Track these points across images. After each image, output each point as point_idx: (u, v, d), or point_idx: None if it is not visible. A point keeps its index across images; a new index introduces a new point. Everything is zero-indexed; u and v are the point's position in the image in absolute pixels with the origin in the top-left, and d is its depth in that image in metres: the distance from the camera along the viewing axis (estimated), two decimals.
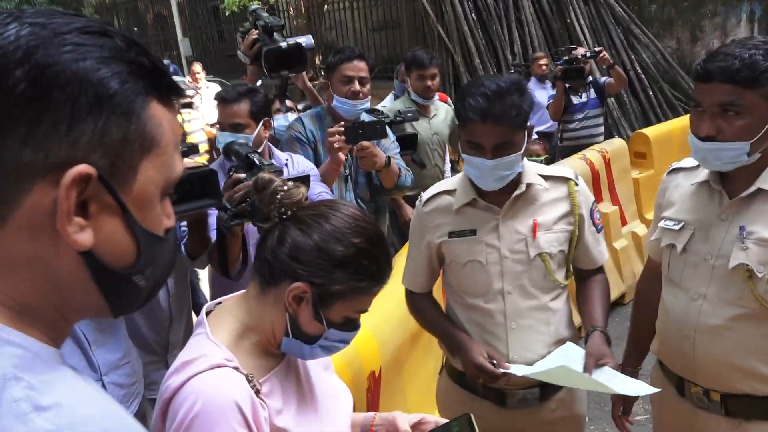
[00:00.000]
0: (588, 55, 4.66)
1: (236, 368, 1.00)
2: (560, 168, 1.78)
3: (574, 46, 4.86)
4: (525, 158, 1.64)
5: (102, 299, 0.61)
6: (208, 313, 1.13)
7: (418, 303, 1.82)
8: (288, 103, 3.63)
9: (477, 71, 7.54)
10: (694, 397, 1.58)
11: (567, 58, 4.57)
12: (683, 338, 1.55)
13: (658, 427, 1.80)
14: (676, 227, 1.57)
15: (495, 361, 1.60)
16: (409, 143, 2.95)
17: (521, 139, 1.57)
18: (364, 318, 1.14)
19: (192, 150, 1.77)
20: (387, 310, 2.05)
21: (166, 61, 10.23)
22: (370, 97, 2.59)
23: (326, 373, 1.25)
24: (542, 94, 5.19)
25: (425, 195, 1.76)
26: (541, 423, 1.72)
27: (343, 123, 2.38)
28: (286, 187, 1.08)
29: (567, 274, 1.75)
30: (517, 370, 1.57)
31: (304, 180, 1.63)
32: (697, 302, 1.51)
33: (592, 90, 4.67)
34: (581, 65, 4.49)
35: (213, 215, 2.03)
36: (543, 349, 1.68)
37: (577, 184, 1.70)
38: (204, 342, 1.04)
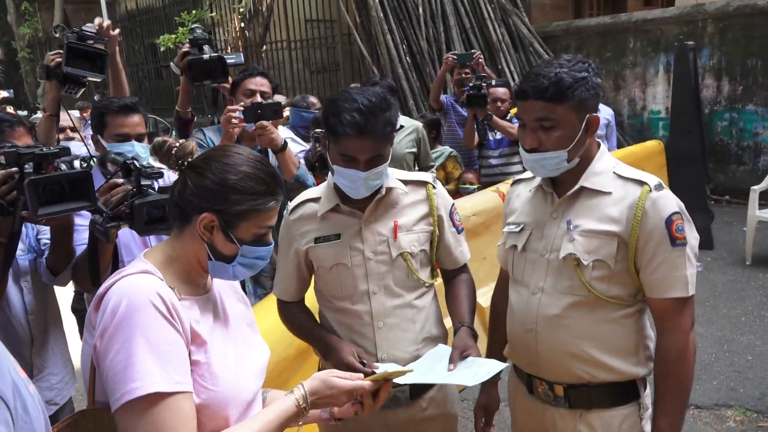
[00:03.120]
0: (494, 83, 4.63)
1: (160, 279, 1.17)
2: (418, 173, 1.88)
3: (484, 74, 4.82)
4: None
5: None
6: None
7: (289, 311, 1.83)
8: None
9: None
10: (541, 393, 1.67)
11: (472, 84, 4.47)
12: (527, 332, 1.65)
13: (514, 428, 1.87)
14: (517, 229, 1.72)
15: (365, 361, 1.59)
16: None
17: (389, 150, 1.67)
18: None
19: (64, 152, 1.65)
20: (268, 325, 1.97)
21: (96, 97, 9.97)
22: None
23: (248, 328, 1.38)
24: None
25: (291, 204, 1.84)
26: (412, 422, 1.76)
27: (242, 102, 2.54)
28: (178, 143, 1.24)
29: (432, 274, 1.83)
30: (387, 368, 1.54)
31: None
32: (537, 296, 1.63)
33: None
34: (483, 92, 4.37)
35: (80, 230, 1.91)
36: (410, 346, 1.71)
37: (434, 188, 1.81)
38: (135, 262, 1.22)
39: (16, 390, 0.65)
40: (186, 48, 2.61)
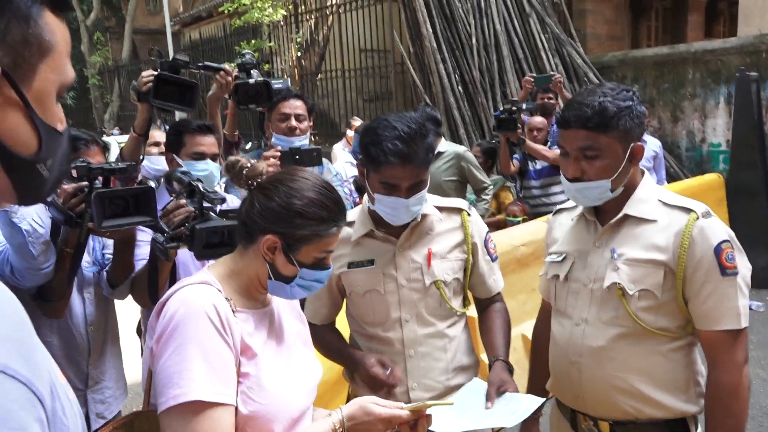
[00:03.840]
0: (525, 106, 4.48)
1: (219, 290, 1.22)
2: (453, 200, 1.88)
3: (516, 99, 4.71)
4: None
5: (9, 184, 0.69)
6: None
7: (320, 333, 1.82)
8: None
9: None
10: (585, 429, 1.63)
11: (503, 107, 4.38)
12: (570, 364, 1.61)
13: None
14: (559, 259, 1.69)
15: (389, 365, 1.62)
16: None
17: (428, 176, 1.69)
18: None
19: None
20: None
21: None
22: (308, 133, 2.64)
23: (304, 346, 1.40)
24: None
25: None
26: None
27: (279, 147, 2.48)
28: (249, 164, 1.30)
29: (464, 302, 1.82)
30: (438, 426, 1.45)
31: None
32: (580, 327, 1.60)
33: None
34: (514, 116, 4.25)
35: (142, 245, 1.98)
36: (441, 375, 1.71)
37: (469, 215, 1.80)
38: (198, 273, 1.28)
39: (54, 392, 0.65)
40: (235, 73, 2.61)
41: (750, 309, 5.29)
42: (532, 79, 4.99)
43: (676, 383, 1.54)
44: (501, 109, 4.45)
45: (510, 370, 1.67)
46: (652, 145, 5.81)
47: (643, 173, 1.62)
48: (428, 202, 1.75)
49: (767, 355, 4.37)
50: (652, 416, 1.53)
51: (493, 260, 1.85)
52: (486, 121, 7.94)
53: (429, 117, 4.00)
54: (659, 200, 1.57)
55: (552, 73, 4.97)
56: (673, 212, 1.53)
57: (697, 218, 1.49)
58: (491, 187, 4.47)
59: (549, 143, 4.56)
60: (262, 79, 2.56)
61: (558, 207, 1.85)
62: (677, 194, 1.60)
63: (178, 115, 3.57)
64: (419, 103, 8.27)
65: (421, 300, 1.71)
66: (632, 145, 1.52)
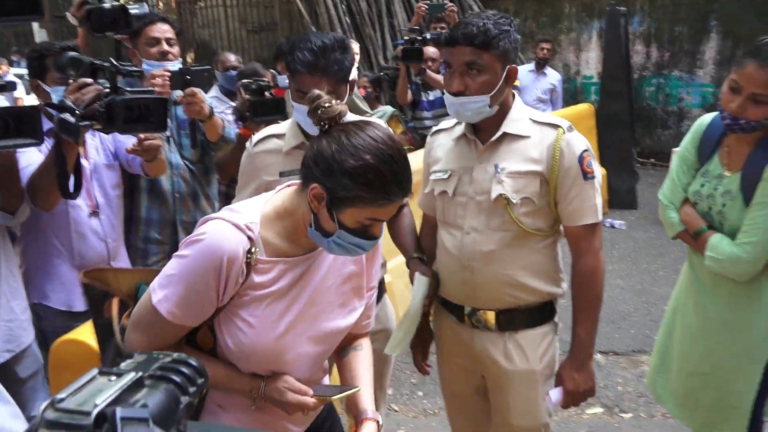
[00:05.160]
0: (429, 36, 4.50)
1: (250, 238, 1.22)
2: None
3: (418, 27, 4.61)
4: None
5: None
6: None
7: None
8: None
9: None
10: (472, 320, 1.83)
11: (407, 38, 4.41)
12: (464, 268, 1.79)
13: (442, 358, 2.01)
14: (445, 176, 1.82)
15: None
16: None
17: (343, 92, 1.78)
18: None
19: (9, 87, 1.67)
20: None
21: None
22: (180, 59, 2.52)
23: (349, 291, 1.39)
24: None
25: (255, 137, 1.94)
26: None
27: (169, 67, 2.37)
28: (327, 104, 1.21)
29: None
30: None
31: None
32: (471, 235, 1.77)
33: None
34: (419, 46, 4.29)
35: (25, 152, 1.88)
36: None
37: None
38: (257, 203, 1.30)
39: None
40: None
41: (614, 227, 5.78)
42: (425, 7, 4.94)
43: (548, 273, 1.80)
44: (404, 39, 4.43)
45: (423, 261, 1.89)
46: (551, 78, 6.03)
47: (514, 96, 1.80)
48: (350, 117, 1.82)
49: (626, 267, 4.86)
50: (529, 302, 1.79)
51: None
52: (374, 53, 7.89)
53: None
54: (530, 119, 1.76)
55: (445, 1, 4.89)
56: (544, 128, 1.74)
57: (564, 132, 1.72)
58: (374, 117, 4.49)
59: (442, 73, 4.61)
60: (118, 3, 2.36)
61: (435, 128, 1.97)
62: (544, 113, 1.79)
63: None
64: (305, 34, 8.03)
65: None
66: (508, 66, 1.69)
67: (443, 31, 4.82)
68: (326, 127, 1.22)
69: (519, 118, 1.76)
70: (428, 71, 4.52)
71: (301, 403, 1.29)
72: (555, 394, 1.80)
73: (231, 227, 1.21)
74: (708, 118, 2.04)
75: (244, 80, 2.71)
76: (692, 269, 2.09)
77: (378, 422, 1.38)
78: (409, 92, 4.66)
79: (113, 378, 0.55)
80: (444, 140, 1.89)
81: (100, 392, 0.53)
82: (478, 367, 1.88)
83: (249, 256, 1.21)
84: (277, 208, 1.28)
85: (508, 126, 1.74)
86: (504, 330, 1.80)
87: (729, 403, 1.96)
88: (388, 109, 4.93)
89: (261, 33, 9.53)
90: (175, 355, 0.64)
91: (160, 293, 1.20)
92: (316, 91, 1.24)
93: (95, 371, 0.56)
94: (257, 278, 1.24)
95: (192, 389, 0.61)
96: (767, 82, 1.73)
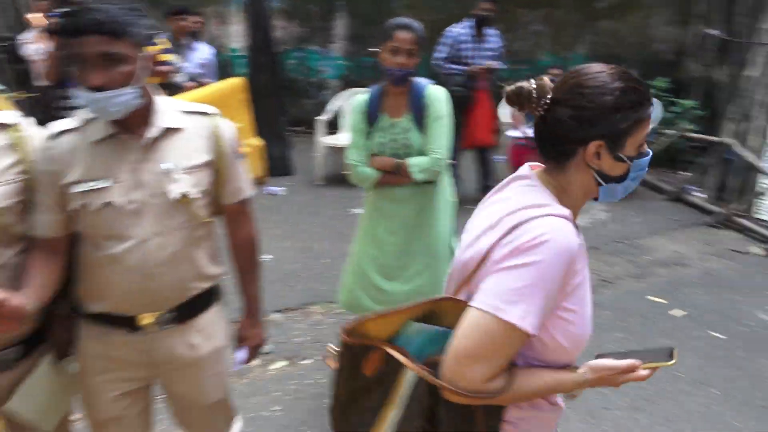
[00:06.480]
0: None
1: (576, 227, 1.21)
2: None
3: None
4: None
5: None
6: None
7: None
8: None
9: None
10: (152, 325, 1.70)
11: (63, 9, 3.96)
12: (144, 277, 1.64)
13: (96, 386, 1.76)
14: (103, 184, 1.59)
15: None
16: None
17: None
18: None
19: None
20: None
21: None
22: None
23: None
24: None
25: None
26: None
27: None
28: (534, 84, 1.26)
29: None
30: None
31: None
32: (153, 240, 1.63)
33: None
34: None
35: None
36: None
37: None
38: (544, 193, 1.26)
39: None
40: None
41: (275, 195, 6.19)
42: None
43: (213, 255, 1.84)
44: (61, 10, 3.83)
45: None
46: (203, 52, 5.91)
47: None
48: None
49: (289, 229, 5.26)
50: (204, 287, 1.79)
51: None
52: None
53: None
54: (179, 110, 1.70)
55: None
56: (196, 118, 1.72)
57: (216, 119, 1.75)
58: None
59: None
60: None
61: (55, 131, 1.64)
62: (184, 101, 1.77)
63: None
64: None
65: None
66: (145, 52, 1.56)
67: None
68: (547, 103, 1.25)
69: (167, 110, 1.67)
70: None
71: (629, 370, 1.24)
72: (240, 354, 1.96)
73: (563, 221, 1.19)
74: (363, 95, 2.77)
75: None
76: (377, 209, 2.81)
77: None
78: None
79: None
80: (74, 143, 1.61)
81: None
82: (152, 373, 1.79)
83: (580, 245, 1.22)
84: (556, 195, 1.27)
85: (162, 120, 1.64)
86: (184, 320, 1.76)
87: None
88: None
89: None
90: None
91: (516, 310, 1.13)
92: (512, 87, 1.28)
93: None
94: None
95: None
96: (413, 39, 2.57)
